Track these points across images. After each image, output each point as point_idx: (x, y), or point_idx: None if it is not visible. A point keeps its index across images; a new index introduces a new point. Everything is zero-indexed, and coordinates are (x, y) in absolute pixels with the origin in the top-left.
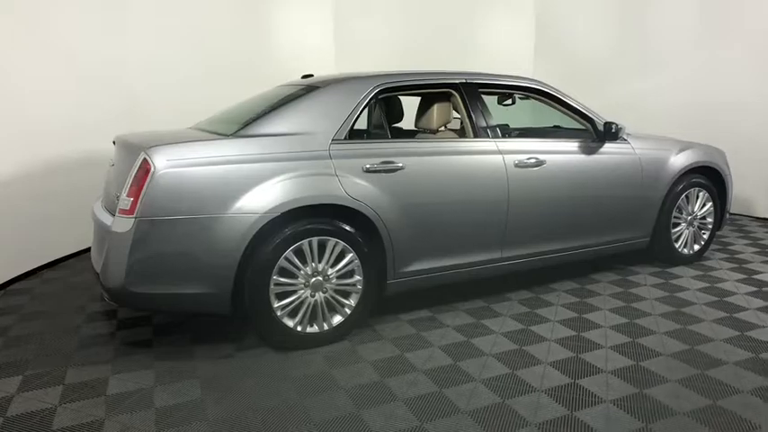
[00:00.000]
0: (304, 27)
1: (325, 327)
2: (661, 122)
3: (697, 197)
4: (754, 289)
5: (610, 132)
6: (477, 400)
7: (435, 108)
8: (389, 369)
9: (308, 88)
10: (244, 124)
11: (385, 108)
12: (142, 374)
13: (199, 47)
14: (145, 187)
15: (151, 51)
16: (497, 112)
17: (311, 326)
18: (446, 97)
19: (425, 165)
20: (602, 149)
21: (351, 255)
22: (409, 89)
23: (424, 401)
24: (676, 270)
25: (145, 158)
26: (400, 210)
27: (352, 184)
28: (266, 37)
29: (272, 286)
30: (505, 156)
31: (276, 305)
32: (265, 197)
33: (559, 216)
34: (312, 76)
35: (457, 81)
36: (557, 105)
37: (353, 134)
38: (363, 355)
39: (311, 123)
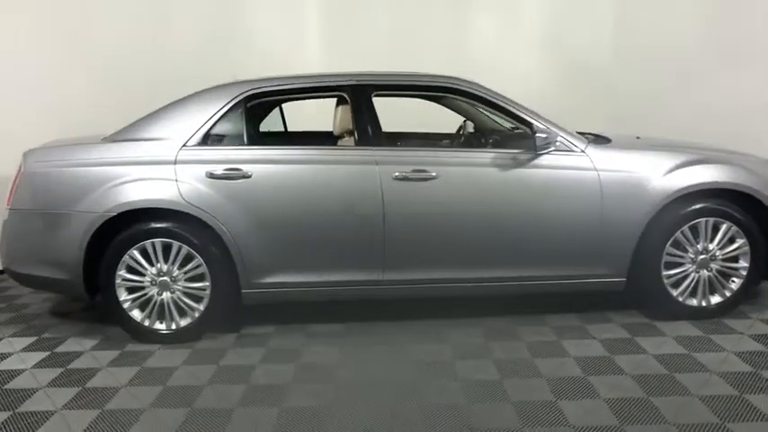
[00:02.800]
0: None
1: (173, 326)
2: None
3: (714, 230)
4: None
5: (536, 142)
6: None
7: (336, 113)
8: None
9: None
10: (121, 129)
11: (260, 114)
12: None
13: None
14: (16, 183)
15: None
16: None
17: (160, 323)
18: (346, 101)
19: (277, 173)
20: (534, 163)
21: (197, 260)
22: (286, 94)
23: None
24: (666, 326)
25: (22, 159)
26: (248, 219)
27: (191, 190)
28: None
29: (118, 280)
30: (382, 167)
31: (123, 298)
32: (105, 199)
33: (465, 240)
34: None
35: (344, 83)
36: (483, 107)
37: (214, 141)
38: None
39: (167, 129)
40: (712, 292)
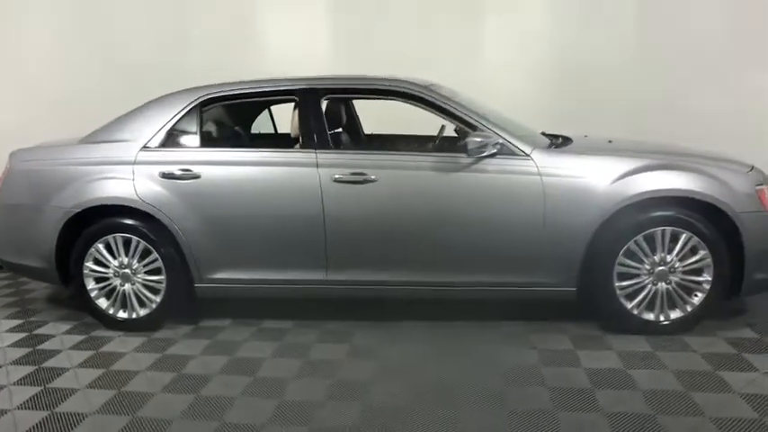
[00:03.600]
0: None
1: (134, 315)
2: None
3: (674, 240)
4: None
5: (467, 146)
6: None
7: (293, 116)
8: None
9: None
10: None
11: (217, 117)
12: None
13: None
14: (2, 179)
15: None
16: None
17: (123, 311)
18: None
19: (224, 174)
20: (475, 167)
21: (153, 254)
22: (241, 98)
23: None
24: (616, 339)
25: (8, 159)
26: (197, 217)
27: (145, 189)
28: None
29: (86, 271)
30: (322, 169)
31: (90, 287)
32: (72, 195)
33: (402, 244)
34: None
35: (295, 88)
36: (432, 110)
37: (171, 143)
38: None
39: (132, 131)
40: (672, 307)
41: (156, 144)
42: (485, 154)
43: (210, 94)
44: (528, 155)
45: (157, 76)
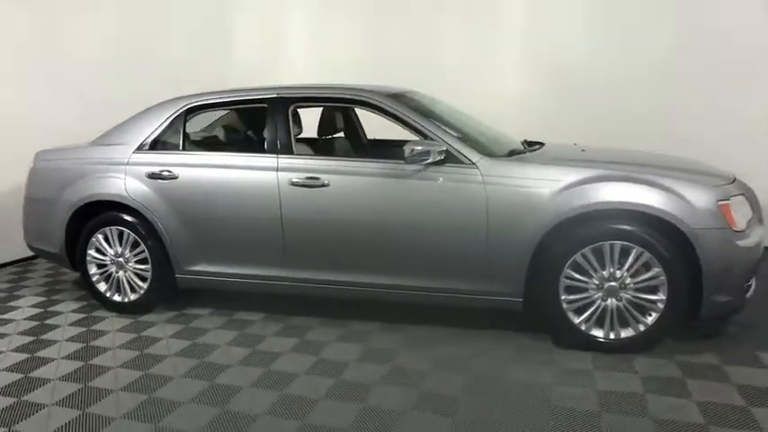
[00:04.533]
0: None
1: (125, 299)
2: None
3: (624, 254)
4: None
5: (404, 153)
6: None
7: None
8: None
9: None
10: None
11: (197, 122)
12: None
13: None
14: (28, 176)
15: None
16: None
17: (118, 295)
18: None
19: (197, 176)
20: (422, 174)
21: (141, 246)
22: (220, 106)
23: None
24: (561, 355)
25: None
26: (175, 214)
27: (134, 187)
28: None
29: (89, 258)
30: (281, 173)
31: (92, 272)
32: (78, 191)
33: (352, 246)
34: None
35: (267, 96)
36: (389, 119)
37: (160, 146)
38: None
39: (128, 136)
40: (625, 325)
41: (146, 147)
42: (429, 161)
43: (194, 102)
44: (473, 163)
45: (198, 79)
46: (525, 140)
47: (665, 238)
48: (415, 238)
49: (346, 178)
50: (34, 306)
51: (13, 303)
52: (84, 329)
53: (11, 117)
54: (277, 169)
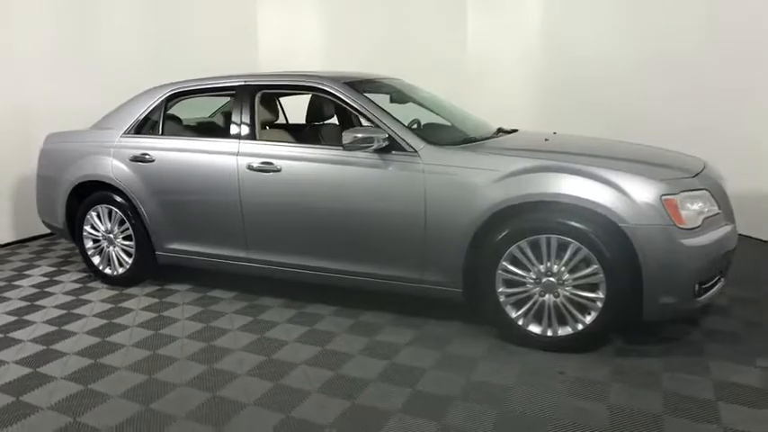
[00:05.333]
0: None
1: (115, 273)
2: None
3: (561, 248)
4: None
5: (342, 140)
6: None
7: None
8: None
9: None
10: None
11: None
12: None
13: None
14: (39, 156)
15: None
16: None
17: (109, 269)
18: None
19: (170, 159)
20: (367, 161)
21: (126, 224)
22: (200, 92)
23: None
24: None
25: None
26: (153, 194)
27: (118, 169)
28: None
29: (84, 233)
30: (241, 158)
31: (88, 246)
32: (75, 171)
33: (304, 231)
34: None
35: (236, 84)
36: (346, 106)
37: (144, 131)
38: None
39: (118, 121)
40: (563, 323)
41: (132, 131)
42: (372, 147)
43: (174, 89)
44: (416, 151)
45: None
46: (500, 128)
47: (605, 234)
48: (360, 225)
49: (295, 164)
50: (43, 275)
51: (28, 272)
52: (73, 298)
53: (46, 107)
54: (237, 154)
